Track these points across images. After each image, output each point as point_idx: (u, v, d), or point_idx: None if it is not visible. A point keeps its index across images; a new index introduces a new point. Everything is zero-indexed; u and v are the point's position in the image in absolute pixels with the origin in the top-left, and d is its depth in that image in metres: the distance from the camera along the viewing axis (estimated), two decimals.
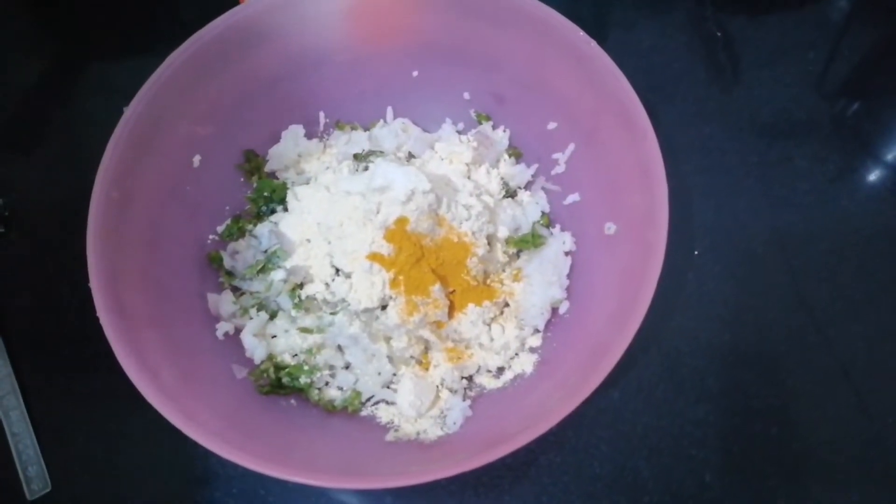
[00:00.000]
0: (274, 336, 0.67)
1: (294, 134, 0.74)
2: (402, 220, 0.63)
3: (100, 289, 0.57)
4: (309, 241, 0.67)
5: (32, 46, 0.93)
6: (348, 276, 0.64)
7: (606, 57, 0.64)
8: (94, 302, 0.56)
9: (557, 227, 0.72)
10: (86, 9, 0.94)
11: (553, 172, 0.73)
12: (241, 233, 0.71)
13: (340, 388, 0.66)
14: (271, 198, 0.72)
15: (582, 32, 0.65)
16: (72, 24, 0.94)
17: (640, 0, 0.92)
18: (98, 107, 0.85)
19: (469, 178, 0.72)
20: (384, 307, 0.64)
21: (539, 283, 0.67)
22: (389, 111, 0.77)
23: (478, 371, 0.67)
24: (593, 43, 0.64)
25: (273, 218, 0.71)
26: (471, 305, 0.66)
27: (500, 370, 0.67)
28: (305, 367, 0.65)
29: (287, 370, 0.65)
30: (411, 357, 0.65)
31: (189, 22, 0.67)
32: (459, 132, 0.77)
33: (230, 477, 0.68)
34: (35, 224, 0.82)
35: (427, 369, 0.66)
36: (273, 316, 0.68)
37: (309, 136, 0.75)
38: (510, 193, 0.74)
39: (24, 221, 0.82)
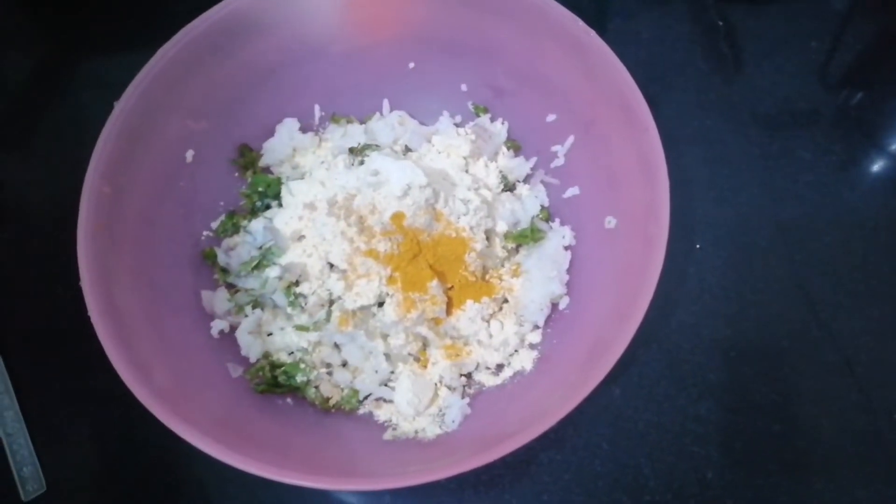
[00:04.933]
0: (270, 334, 0.66)
1: (289, 128, 0.73)
2: (398, 216, 0.62)
3: (91, 287, 0.56)
4: (304, 237, 0.66)
5: (24, 42, 0.92)
6: (344, 272, 0.63)
7: (606, 47, 0.62)
8: (85, 301, 0.55)
9: (557, 221, 0.71)
10: (77, 3, 0.93)
11: (552, 165, 0.72)
12: (236, 229, 0.70)
13: (337, 387, 0.65)
14: (266, 193, 0.71)
15: (581, 22, 0.63)
16: (64, 19, 0.93)
17: None
18: (92, 101, 0.84)
19: (467, 171, 0.71)
20: (381, 304, 0.63)
21: (538, 279, 0.66)
22: (386, 104, 0.76)
23: (477, 368, 0.66)
24: (592, 33, 0.63)
25: (268, 213, 0.70)
26: (469, 302, 0.65)
27: (500, 367, 0.66)
28: (302, 366, 0.64)
29: (283, 368, 0.64)
30: (409, 354, 0.64)
31: (184, 13, 0.66)
32: (457, 125, 0.76)
33: (227, 478, 0.68)
34: (29, 221, 0.81)
35: (425, 367, 0.65)
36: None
37: (304, 129, 0.74)
38: (509, 187, 0.73)
39: (18, 218, 0.81)
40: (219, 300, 0.66)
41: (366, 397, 0.65)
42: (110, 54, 0.90)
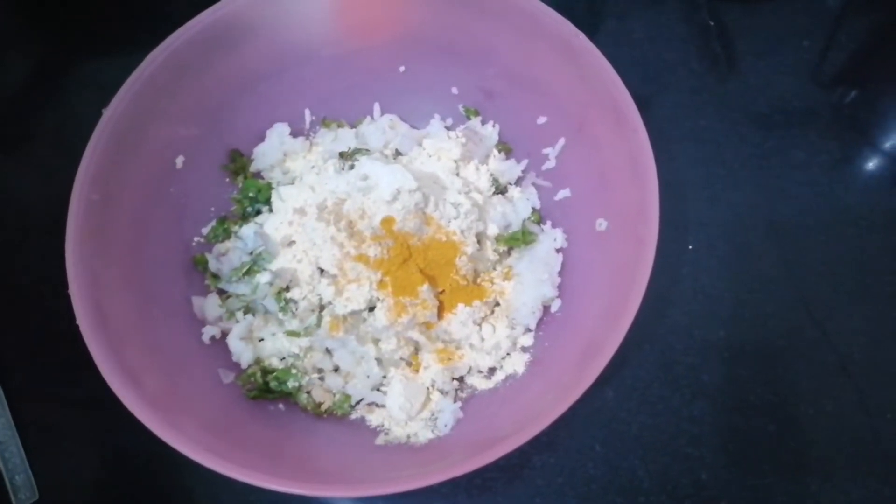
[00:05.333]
0: (261, 339, 0.66)
1: (279, 132, 0.73)
2: (388, 220, 0.62)
3: (79, 294, 0.56)
4: (294, 242, 0.66)
5: (23, 43, 0.92)
6: (334, 277, 0.62)
7: (596, 50, 0.62)
8: (73, 308, 0.55)
9: (548, 223, 0.71)
10: (72, 5, 0.93)
11: (543, 168, 0.72)
12: (227, 234, 0.70)
13: (329, 392, 0.65)
14: (256, 198, 0.71)
15: (571, 25, 0.63)
16: (63, 20, 0.93)
17: None
18: (85, 105, 0.83)
19: (458, 174, 0.70)
20: (372, 309, 0.62)
21: (530, 282, 0.66)
22: (376, 107, 0.76)
23: (469, 372, 0.66)
24: (582, 36, 0.63)
25: (258, 219, 0.70)
26: (460, 305, 0.64)
27: (492, 371, 0.66)
28: (293, 371, 0.64)
29: (275, 374, 0.64)
30: (401, 359, 0.64)
31: (178, 17, 0.65)
32: (448, 128, 0.75)
33: (219, 484, 0.67)
34: (24, 224, 0.80)
35: (417, 371, 0.64)
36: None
37: (294, 134, 0.74)
38: (500, 190, 0.72)
39: (9, 223, 0.81)
40: (210, 306, 0.66)
41: (358, 402, 0.65)
42: (110, 56, 0.89)
